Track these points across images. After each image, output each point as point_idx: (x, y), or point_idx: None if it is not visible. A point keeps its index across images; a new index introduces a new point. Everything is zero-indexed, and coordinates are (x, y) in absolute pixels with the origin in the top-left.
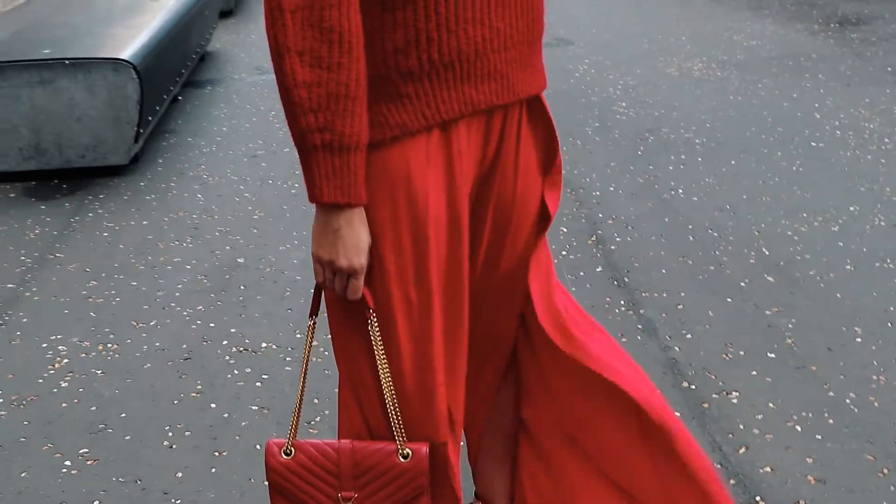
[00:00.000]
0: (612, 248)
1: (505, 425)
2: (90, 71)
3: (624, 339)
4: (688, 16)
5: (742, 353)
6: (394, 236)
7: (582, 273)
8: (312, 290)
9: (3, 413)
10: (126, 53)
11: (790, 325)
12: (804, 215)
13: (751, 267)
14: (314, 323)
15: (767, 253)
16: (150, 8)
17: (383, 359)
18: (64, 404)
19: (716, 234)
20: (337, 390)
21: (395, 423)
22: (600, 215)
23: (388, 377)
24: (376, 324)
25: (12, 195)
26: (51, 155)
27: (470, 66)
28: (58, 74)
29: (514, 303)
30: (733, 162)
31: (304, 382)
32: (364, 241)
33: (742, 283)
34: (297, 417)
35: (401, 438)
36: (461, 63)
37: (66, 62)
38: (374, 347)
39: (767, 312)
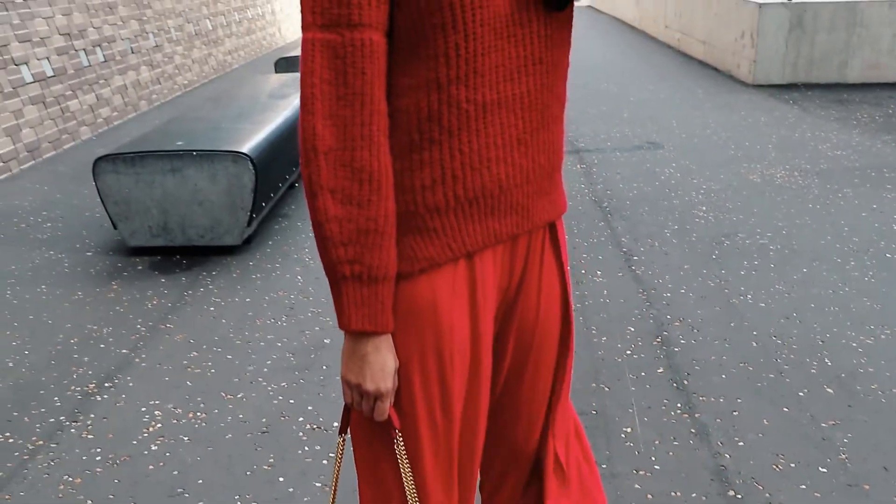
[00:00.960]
0: (676, 349)
1: None
2: (213, 161)
3: (676, 443)
4: (775, 123)
5: (793, 465)
6: (420, 362)
7: (643, 373)
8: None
9: (98, 469)
10: (245, 147)
11: (846, 440)
12: (871, 327)
13: (811, 377)
14: (343, 440)
15: (829, 364)
16: (275, 106)
17: (410, 478)
18: (151, 466)
19: (779, 342)
20: None
21: None
22: (668, 317)
23: (414, 497)
24: (402, 444)
25: (140, 267)
26: (175, 233)
27: (494, 201)
28: (186, 164)
29: (534, 420)
30: (805, 270)
31: (334, 498)
32: (390, 366)
33: (800, 393)
34: None
35: None
36: (485, 198)
37: (194, 153)
38: (401, 467)
39: (823, 425)
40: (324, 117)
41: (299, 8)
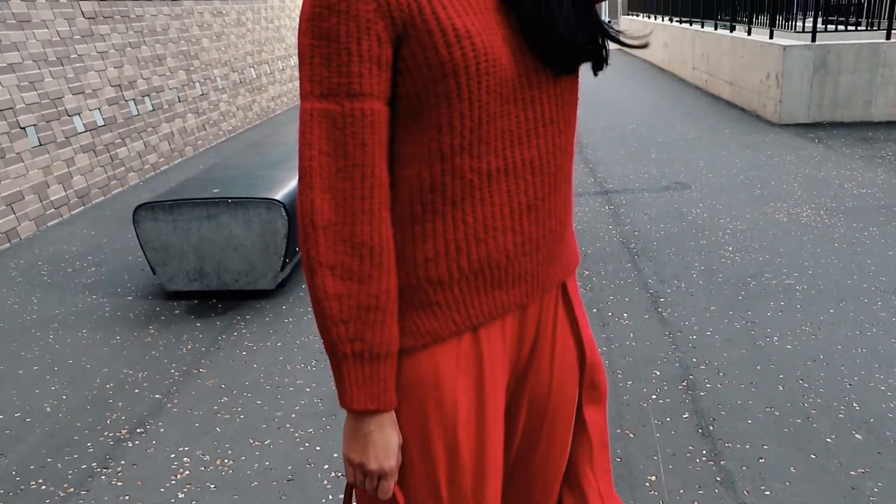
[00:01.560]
0: (702, 394)
1: None
2: (247, 208)
3: (701, 492)
4: (801, 162)
5: None
6: (421, 439)
7: (669, 419)
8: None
9: None
10: (278, 194)
11: (875, 489)
12: None
13: (839, 422)
14: None
15: (857, 408)
16: None
17: None
18: None
19: (806, 385)
20: None
21: None
22: (694, 360)
23: None
24: None
25: (177, 311)
26: (211, 278)
27: (501, 272)
28: (221, 211)
29: (549, 487)
30: (832, 310)
31: None
32: (394, 443)
33: (828, 440)
34: None
35: None
36: (492, 270)
37: (229, 201)
38: None
39: (852, 473)
40: (322, 191)
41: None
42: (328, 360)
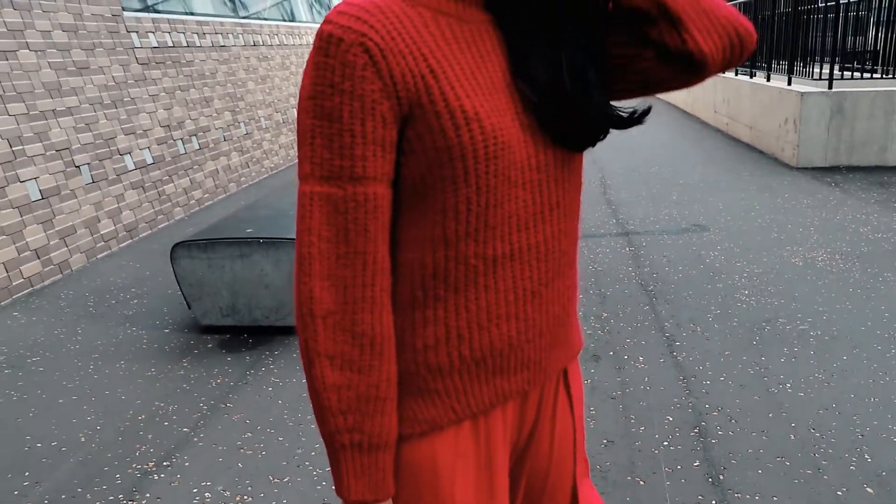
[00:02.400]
0: (713, 441)
1: None
2: (278, 248)
3: None
4: (818, 206)
5: None
6: None
7: (679, 466)
8: None
9: None
10: None
11: None
12: None
13: (850, 474)
14: None
15: (870, 460)
16: None
17: None
18: None
19: (818, 435)
20: None
21: None
22: (707, 406)
23: None
24: None
25: (209, 345)
26: (243, 314)
27: (503, 360)
28: (253, 250)
29: None
30: (845, 357)
31: None
32: None
33: (839, 493)
34: None
35: None
36: (494, 358)
37: (261, 241)
38: None
39: None
40: (322, 278)
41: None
42: None
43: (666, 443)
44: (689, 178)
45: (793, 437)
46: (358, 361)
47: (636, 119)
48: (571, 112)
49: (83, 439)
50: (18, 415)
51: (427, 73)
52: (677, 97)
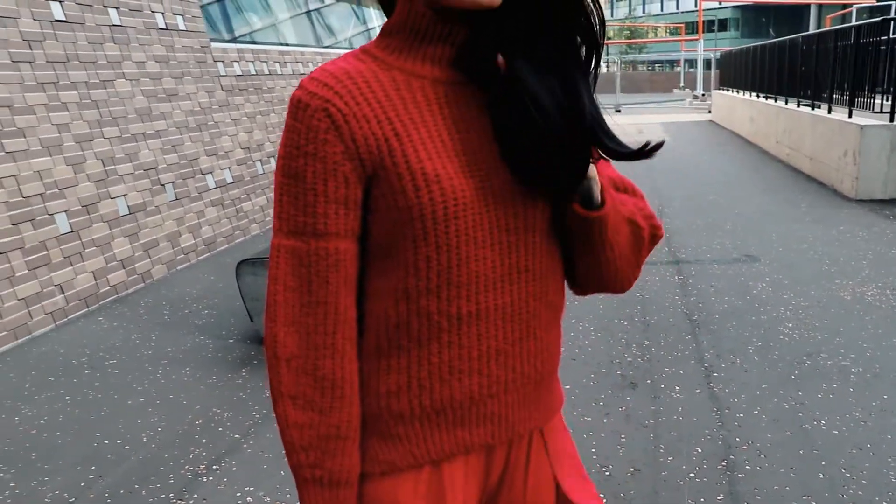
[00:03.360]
0: (740, 475)
1: None
2: None
3: None
4: (873, 239)
5: None
6: None
7: (703, 499)
8: None
9: None
10: None
11: None
12: None
13: None
14: None
15: None
16: None
17: None
18: None
19: (848, 475)
20: None
21: None
22: (737, 439)
23: None
24: None
25: None
26: None
27: (463, 412)
28: None
29: None
30: (885, 396)
31: None
32: None
33: None
34: None
35: None
36: (454, 409)
37: None
38: None
39: None
40: (286, 324)
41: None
42: None
43: (692, 474)
44: (745, 208)
45: (822, 476)
46: (319, 403)
47: (646, 153)
48: (543, 167)
49: (145, 439)
50: (92, 413)
51: (391, 136)
52: (742, 127)
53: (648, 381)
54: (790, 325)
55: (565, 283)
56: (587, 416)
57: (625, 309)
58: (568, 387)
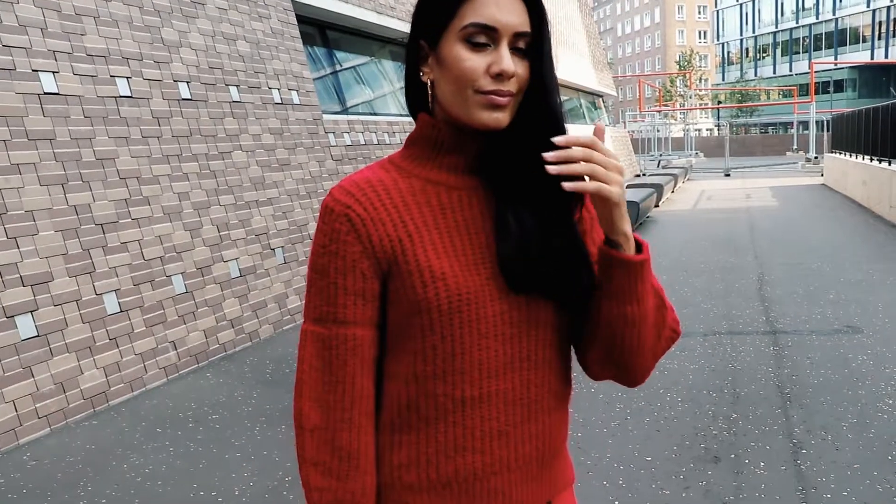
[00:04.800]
0: None
1: None
2: None
3: None
4: None
5: None
6: None
7: None
8: None
9: None
10: None
11: None
12: None
13: None
14: None
15: None
16: None
17: None
18: None
19: None
20: None
21: None
22: None
23: None
24: None
25: None
26: None
27: (468, 486)
28: None
29: None
30: None
31: None
32: None
33: None
34: None
35: None
36: (459, 484)
37: None
38: None
39: None
40: (310, 399)
41: None
42: None
43: None
44: (850, 276)
45: None
46: (337, 470)
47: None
48: (535, 267)
49: (237, 492)
50: (191, 464)
51: (405, 237)
52: (854, 191)
53: (732, 456)
54: (890, 401)
55: (571, 370)
56: (665, 490)
57: (714, 380)
58: (649, 458)
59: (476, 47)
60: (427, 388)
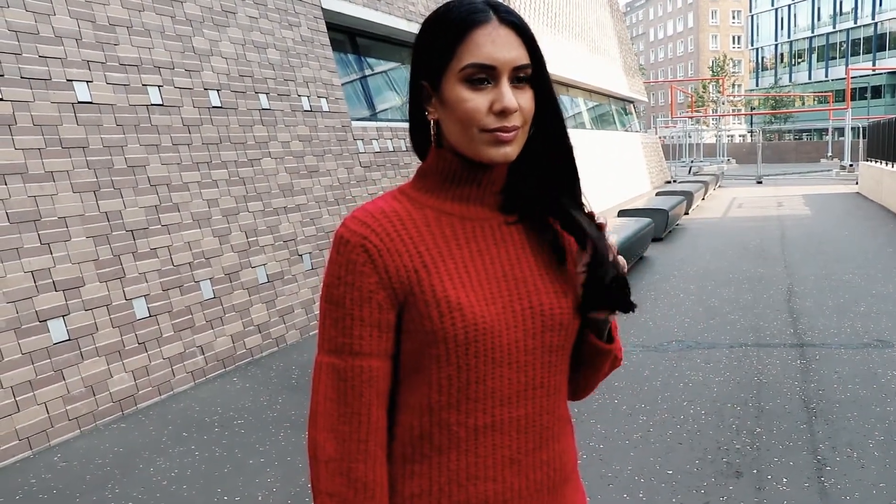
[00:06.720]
0: None
1: None
2: None
3: None
4: None
5: None
6: None
7: None
8: None
9: None
10: None
11: None
12: None
13: None
14: None
15: None
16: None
17: None
18: None
19: None
20: None
21: None
22: None
23: None
24: None
25: None
26: None
27: None
28: None
29: None
30: None
31: None
32: None
33: None
34: None
35: None
36: None
37: None
38: None
39: None
40: (326, 430)
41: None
42: None
43: None
44: (882, 289)
45: None
46: (352, 501)
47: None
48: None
49: (260, 498)
50: (216, 469)
51: (420, 268)
52: (890, 200)
53: (755, 471)
54: None
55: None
56: None
57: (739, 393)
58: (670, 472)
59: (477, 86)
60: (441, 418)
